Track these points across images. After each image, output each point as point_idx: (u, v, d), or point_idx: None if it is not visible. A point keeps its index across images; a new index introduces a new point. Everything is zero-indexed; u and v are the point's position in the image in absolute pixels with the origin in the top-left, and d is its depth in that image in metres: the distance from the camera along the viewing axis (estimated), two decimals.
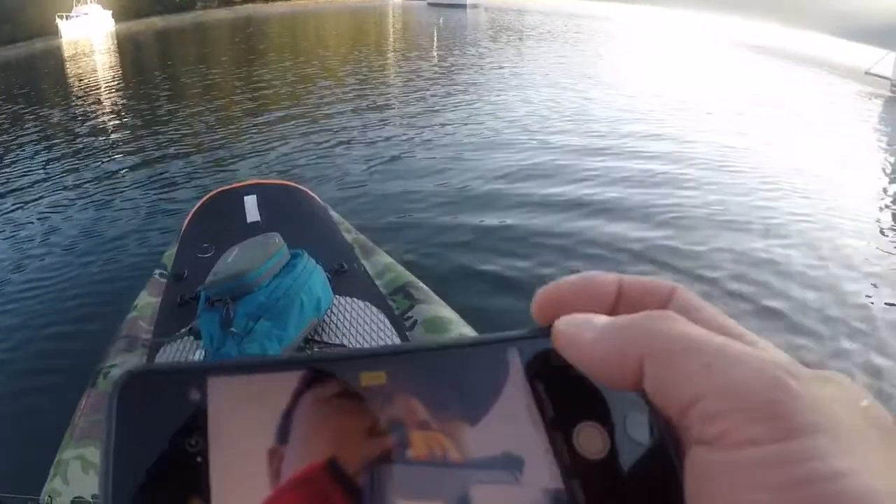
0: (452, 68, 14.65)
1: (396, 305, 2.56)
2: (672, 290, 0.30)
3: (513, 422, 0.28)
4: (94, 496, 1.87)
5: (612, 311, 0.30)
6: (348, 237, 3.18)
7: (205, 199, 3.63)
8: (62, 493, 1.87)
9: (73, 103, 14.52)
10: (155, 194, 7.12)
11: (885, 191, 6.27)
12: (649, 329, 0.26)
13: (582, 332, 0.28)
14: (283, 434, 0.26)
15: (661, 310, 0.27)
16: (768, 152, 6.80)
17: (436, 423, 0.28)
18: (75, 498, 1.85)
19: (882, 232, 5.21)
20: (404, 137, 8.48)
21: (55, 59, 25.87)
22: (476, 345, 0.30)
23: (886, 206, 5.83)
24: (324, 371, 0.28)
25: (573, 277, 0.31)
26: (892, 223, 5.41)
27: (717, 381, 0.24)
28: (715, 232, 5.01)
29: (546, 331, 0.30)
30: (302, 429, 0.27)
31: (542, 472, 0.27)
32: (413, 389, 0.28)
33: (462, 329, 2.42)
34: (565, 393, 0.29)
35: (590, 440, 0.28)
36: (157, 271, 3.16)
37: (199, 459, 0.25)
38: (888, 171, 6.78)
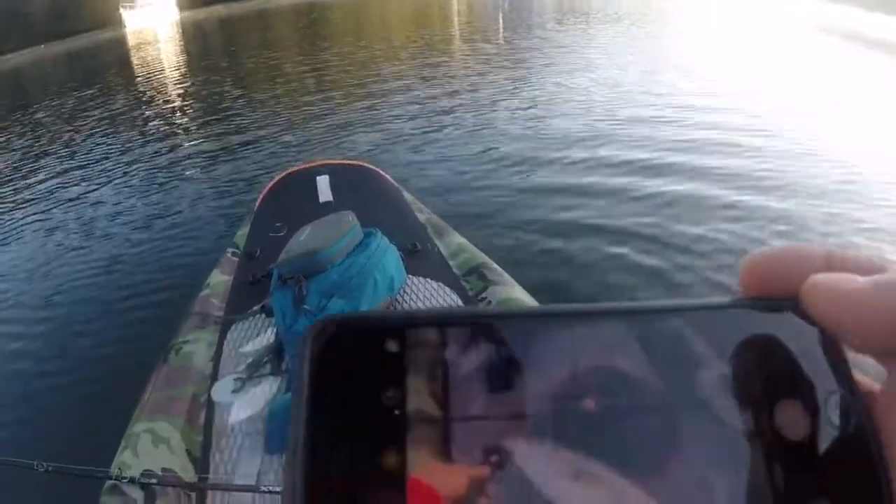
0: (519, 51, 14.48)
1: (470, 286, 2.54)
2: (881, 265, 0.27)
3: (695, 400, 0.27)
4: (164, 469, 1.91)
5: None
6: (421, 217, 3.17)
7: (277, 179, 3.67)
8: (132, 465, 1.90)
9: (141, 90, 14.86)
10: (226, 175, 7.21)
11: None
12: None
13: (847, 285, 0.26)
14: (480, 397, 0.25)
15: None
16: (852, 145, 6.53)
17: (614, 401, 0.26)
18: (145, 471, 1.88)
19: None
20: (473, 120, 8.39)
21: (120, 49, 26.44)
22: (666, 311, 0.28)
23: None
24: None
25: (780, 248, 0.29)
26: None
27: None
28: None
29: (759, 301, 0.28)
30: (499, 395, 0.26)
31: (733, 464, 0.25)
32: (593, 369, 0.27)
33: None
34: (763, 371, 0.27)
35: (791, 421, 0.26)
36: (230, 250, 3.20)
37: (396, 413, 0.24)
38: None
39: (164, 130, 10.12)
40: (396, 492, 0.23)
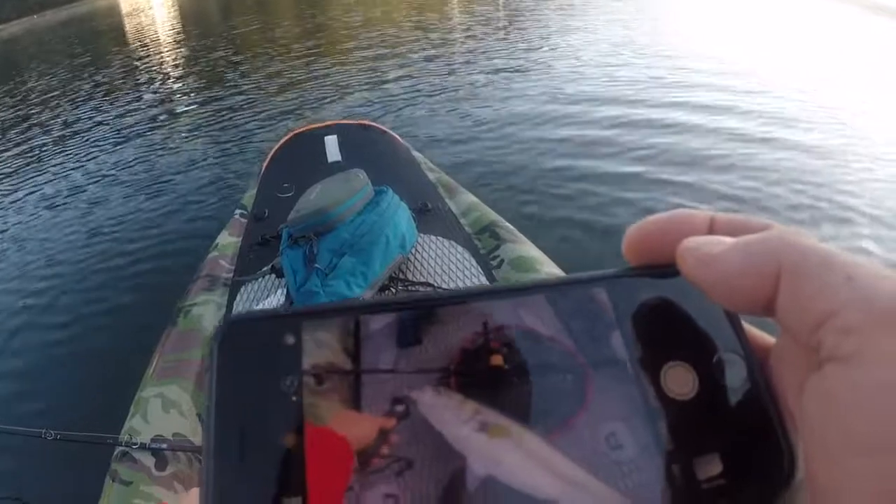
0: (521, 16, 14.37)
1: (482, 245, 2.51)
2: (766, 227, 0.27)
3: (600, 361, 0.28)
4: (174, 434, 1.89)
5: None
6: (432, 176, 3.14)
7: (284, 139, 3.65)
8: (141, 431, 1.89)
9: (137, 56, 14.83)
10: (231, 138, 7.15)
11: None
12: (787, 241, 0.24)
13: (714, 249, 0.26)
14: (389, 352, 0.27)
15: (783, 228, 0.26)
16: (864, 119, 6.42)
17: (522, 359, 0.28)
18: (155, 436, 1.86)
19: None
20: (482, 82, 8.31)
21: (114, 16, 26.33)
22: (566, 284, 0.30)
23: None
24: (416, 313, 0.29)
25: (663, 215, 0.29)
26: None
27: (858, 292, 0.22)
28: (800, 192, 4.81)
29: (644, 269, 0.29)
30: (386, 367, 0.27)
31: (636, 423, 0.27)
32: (502, 330, 0.28)
33: (549, 268, 2.37)
34: (654, 333, 0.28)
35: (678, 380, 0.27)
36: (238, 212, 3.18)
37: (294, 399, 0.26)
38: None
39: (163, 96, 10.08)
40: (295, 438, 0.25)
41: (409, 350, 0.27)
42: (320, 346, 0.27)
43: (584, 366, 0.27)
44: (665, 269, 0.28)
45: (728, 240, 0.26)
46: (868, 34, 10.05)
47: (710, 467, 0.26)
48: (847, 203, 4.50)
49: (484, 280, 2.27)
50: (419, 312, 0.28)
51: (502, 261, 2.38)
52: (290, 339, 0.26)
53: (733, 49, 9.20)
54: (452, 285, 2.23)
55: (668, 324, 0.28)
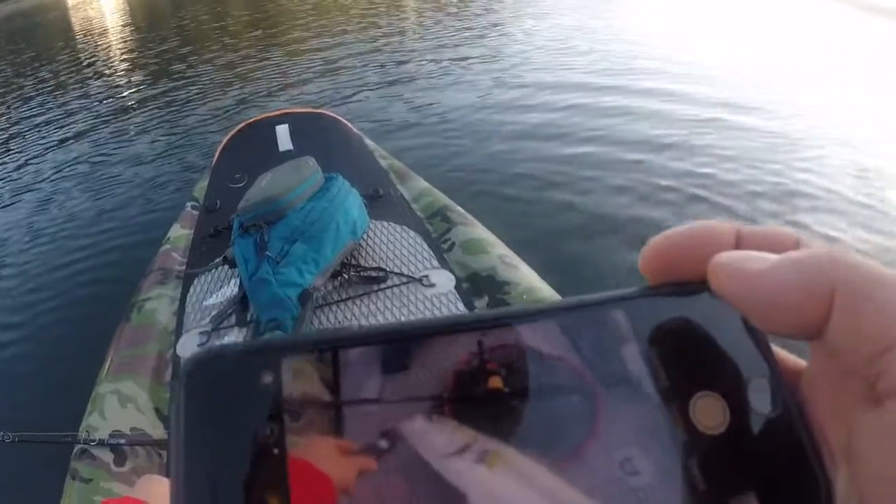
0: (472, 1, 14.35)
1: (433, 229, 2.54)
2: (796, 241, 0.25)
3: (611, 381, 0.26)
4: (132, 429, 1.89)
5: None
6: (383, 163, 3.15)
7: (235, 130, 3.64)
8: (99, 427, 1.89)
9: (84, 50, 14.53)
10: (182, 130, 7.07)
11: None
12: (840, 260, 0.22)
13: (755, 265, 0.23)
14: (374, 381, 0.24)
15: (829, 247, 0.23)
16: (809, 110, 6.46)
17: (524, 381, 0.25)
18: (113, 432, 1.86)
19: None
20: (431, 68, 8.31)
21: (59, 9, 25.84)
22: (581, 307, 0.27)
23: None
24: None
25: (686, 228, 0.27)
26: None
27: None
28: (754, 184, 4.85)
29: (667, 287, 0.27)
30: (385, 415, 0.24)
31: (656, 450, 0.24)
32: (500, 349, 0.26)
33: (500, 250, 2.40)
34: (679, 360, 0.26)
35: (708, 412, 0.25)
36: (190, 204, 3.16)
37: (275, 451, 0.22)
38: None
39: (111, 90, 9.90)
40: (279, 476, 0.22)
41: (396, 377, 0.25)
42: (299, 379, 0.24)
43: (593, 386, 0.25)
44: (690, 287, 0.26)
45: (771, 256, 0.24)
46: (850, 31, 10.15)
47: None
48: (802, 188, 4.58)
49: (434, 263, 2.30)
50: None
51: (453, 244, 2.41)
52: (268, 377, 0.23)
53: (700, 39, 9.30)
54: (404, 270, 2.26)
55: (694, 349, 0.26)
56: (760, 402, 0.25)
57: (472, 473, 0.23)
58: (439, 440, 0.23)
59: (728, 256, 0.24)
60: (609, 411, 0.25)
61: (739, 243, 0.26)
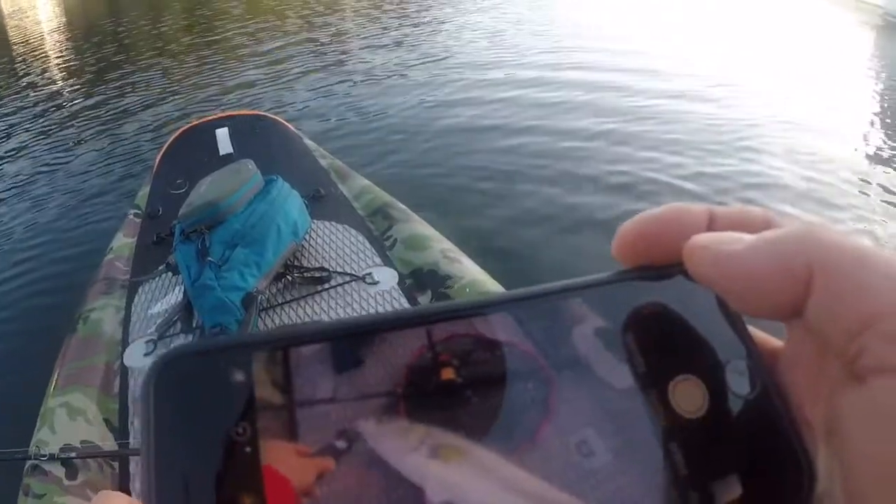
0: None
1: (375, 226, 2.56)
2: (767, 220, 0.25)
3: (595, 382, 0.25)
4: (83, 442, 1.88)
5: None
6: (324, 163, 3.16)
7: (175, 135, 3.61)
8: (49, 442, 1.87)
9: (19, 60, 14.17)
10: (122, 138, 6.92)
11: (874, 125, 5.95)
12: (818, 237, 0.22)
13: (731, 246, 0.23)
14: (329, 380, 0.24)
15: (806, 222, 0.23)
16: (745, 90, 6.54)
17: (477, 371, 0.25)
18: (64, 445, 1.84)
19: (872, 166, 5.00)
20: (369, 68, 8.27)
21: None
22: (548, 295, 0.26)
23: (875, 143, 5.58)
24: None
25: (658, 211, 0.26)
26: (881, 161, 5.18)
27: None
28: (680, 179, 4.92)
29: (640, 271, 0.26)
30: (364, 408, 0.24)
31: (637, 437, 0.24)
32: (452, 339, 0.25)
33: (442, 244, 2.43)
34: (656, 344, 0.25)
35: (687, 396, 0.24)
36: (132, 212, 3.14)
37: (248, 450, 0.22)
38: (881, 107, 6.41)
39: (48, 100, 9.62)
40: (254, 484, 0.22)
41: (350, 374, 0.24)
42: (267, 377, 0.23)
43: (548, 372, 0.25)
44: (664, 270, 0.26)
45: (746, 236, 0.23)
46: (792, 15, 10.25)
47: (731, 490, 0.24)
48: (749, 169, 4.69)
49: (377, 261, 2.32)
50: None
51: (395, 240, 2.43)
52: (240, 376, 0.23)
53: (640, 30, 9.36)
54: (347, 268, 2.27)
55: (670, 332, 0.26)
56: (739, 384, 0.25)
57: (429, 468, 0.23)
58: (393, 438, 0.23)
59: (703, 238, 0.24)
60: (565, 396, 0.25)
61: (712, 225, 0.26)
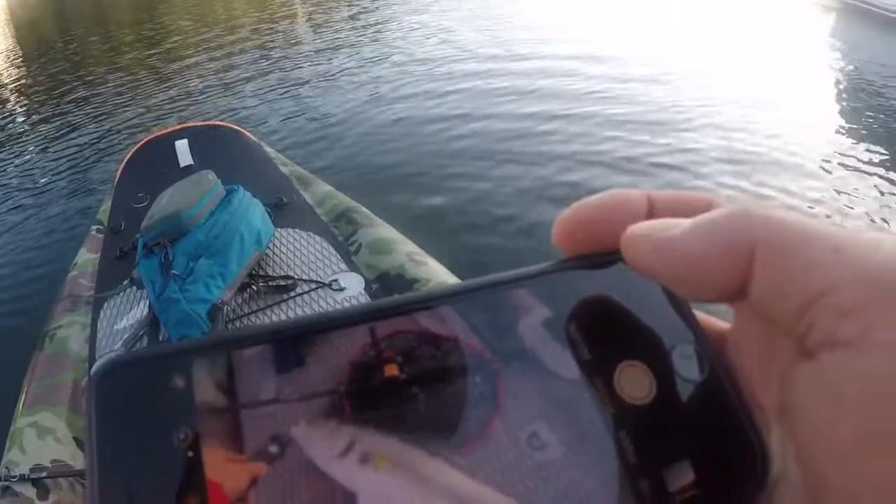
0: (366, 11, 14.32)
1: (339, 232, 2.56)
2: (709, 202, 0.25)
3: (544, 374, 0.25)
4: (53, 461, 1.87)
5: None
6: (285, 170, 3.15)
7: (135, 149, 3.58)
8: (20, 462, 1.85)
9: None
10: (80, 153, 6.84)
11: (833, 111, 5.88)
12: (758, 215, 0.21)
13: (668, 232, 0.23)
14: (269, 382, 0.24)
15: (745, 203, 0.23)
16: (700, 75, 6.60)
17: (421, 366, 0.25)
18: (34, 465, 1.84)
19: (831, 151, 5.03)
20: (324, 73, 8.27)
21: None
22: (489, 287, 0.26)
23: (833, 129, 5.60)
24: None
25: (596, 198, 0.26)
26: (840, 146, 5.22)
27: (851, 266, 0.19)
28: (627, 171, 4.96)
29: (577, 260, 0.26)
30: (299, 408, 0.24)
31: (587, 427, 0.24)
32: (395, 336, 0.25)
33: (407, 247, 2.43)
34: (599, 332, 0.25)
35: (633, 382, 0.24)
36: (94, 227, 3.11)
37: (190, 454, 0.22)
38: (840, 92, 6.44)
39: (1, 119, 9.63)
40: (198, 488, 0.22)
41: (291, 374, 0.24)
42: (206, 382, 0.23)
43: (495, 364, 0.25)
44: (605, 257, 0.26)
45: (683, 221, 0.23)
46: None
47: (683, 476, 0.23)
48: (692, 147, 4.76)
49: (343, 267, 2.32)
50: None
51: (360, 245, 2.43)
52: (180, 382, 0.23)
53: (581, 20, 9.44)
54: (313, 276, 2.27)
55: (614, 320, 0.25)
56: (687, 368, 0.24)
57: (359, 476, 0.22)
58: (321, 441, 0.23)
59: (639, 227, 0.24)
60: (513, 389, 0.24)
61: (652, 209, 0.26)
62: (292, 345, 0.24)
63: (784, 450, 0.22)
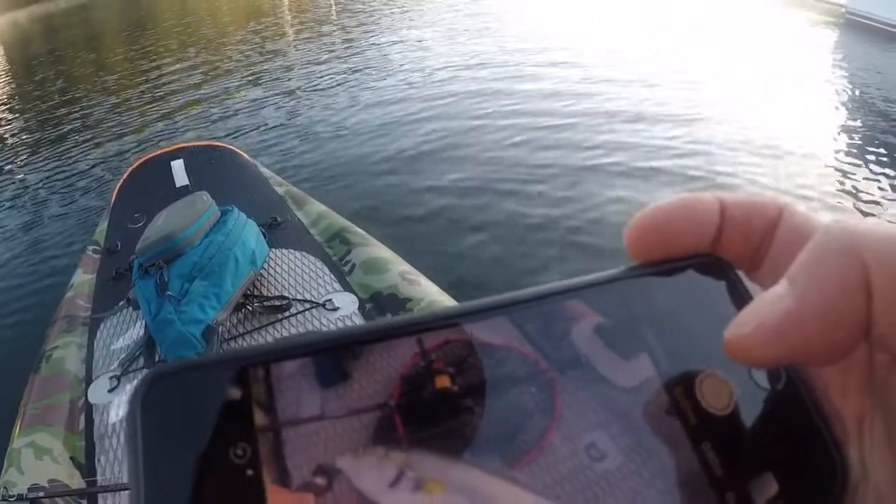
0: (354, 28, 14.33)
1: (333, 252, 2.57)
2: (780, 208, 0.25)
3: (601, 382, 0.24)
4: (50, 481, 1.87)
5: (717, 236, 0.25)
6: (280, 190, 3.17)
7: (130, 169, 3.60)
8: (17, 482, 1.85)
9: None
10: (76, 174, 6.85)
11: (841, 126, 5.90)
12: (862, 239, 0.20)
13: (779, 306, 0.21)
14: (315, 408, 0.23)
15: (834, 219, 0.21)
16: (706, 93, 6.60)
17: (474, 377, 0.24)
18: (32, 485, 1.83)
19: (837, 170, 5.04)
20: (317, 93, 8.28)
21: None
22: (554, 295, 0.25)
23: (842, 141, 5.59)
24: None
25: (668, 203, 0.25)
26: (847, 157, 5.23)
27: None
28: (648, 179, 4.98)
29: (656, 266, 0.26)
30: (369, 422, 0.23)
31: (654, 436, 0.23)
32: (446, 345, 0.24)
33: (401, 266, 2.44)
34: (675, 341, 0.25)
35: (714, 393, 0.24)
36: (90, 248, 3.12)
37: (249, 473, 0.21)
38: (847, 107, 6.38)
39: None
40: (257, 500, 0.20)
41: (341, 388, 0.23)
42: (261, 398, 0.22)
43: (549, 373, 0.24)
44: (677, 263, 0.25)
45: (780, 286, 0.21)
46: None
47: (768, 489, 0.22)
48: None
49: (337, 286, 2.33)
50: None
51: (354, 265, 2.44)
52: (235, 392, 0.22)
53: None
54: (307, 295, 2.28)
55: (690, 328, 0.25)
56: (764, 377, 0.24)
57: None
58: (370, 473, 0.21)
59: (744, 319, 0.22)
60: (569, 398, 0.24)
61: (724, 214, 0.25)
62: (341, 357, 0.23)
63: (866, 460, 0.22)
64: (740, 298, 0.25)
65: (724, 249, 0.25)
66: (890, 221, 0.21)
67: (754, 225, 0.25)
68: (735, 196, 0.25)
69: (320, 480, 0.21)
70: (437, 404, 0.23)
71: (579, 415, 0.23)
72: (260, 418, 0.21)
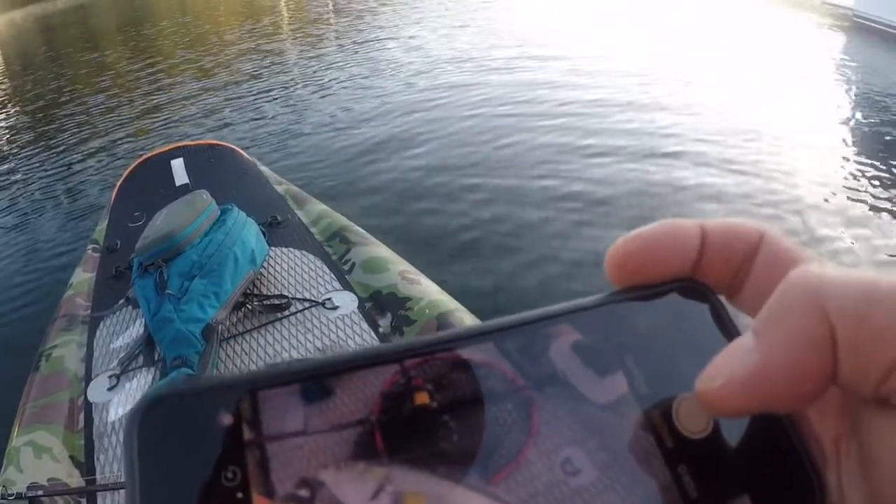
0: (351, 28, 14.31)
1: (333, 251, 2.57)
2: (761, 233, 0.25)
3: (578, 399, 0.24)
4: (49, 479, 1.86)
5: (697, 262, 0.25)
6: (280, 189, 3.17)
7: (130, 168, 3.60)
8: (17, 481, 1.85)
9: None
10: (76, 173, 6.87)
11: (849, 128, 5.92)
12: (822, 290, 0.20)
13: (748, 360, 0.21)
14: (299, 421, 0.23)
15: (798, 269, 0.22)
16: (716, 96, 6.57)
17: (453, 394, 0.24)
18: (31, 484, 1.83)
19: (846, 175, 4.98)
20: (315, 92, 8.29)
21: None
22: (536, 322, 0.25)
23: (850, 145, 5.54)
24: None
25: (649, 228, 0.26)
26: (857, 161, 5.16)
27: None
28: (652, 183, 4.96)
29: (637, 291, 0.26)
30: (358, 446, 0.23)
31: (628, 453, 0.23)
32: (426, 363, 0.24)
33: (401, 266, 2.44)
34: (655, 365, 0.25)
35: (691, 416, 0.24)
36: (90, 246, 3.12)
37: (239, 496, 0.21)
38: (854, 109, 6.34)
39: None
40: None
41: (322, 405, 0.23)
42: (251, 420, 0.22)
43: (526, 390, 0.24)
44: (658, 288, 0.25)
45: (747, 339, 0.22)
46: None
47: None
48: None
49: (336, 285, 2.33)
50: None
51: (354, 264, 2.44)
52: (227, 417, 0.22)
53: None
54: (307, 294, 2.28)
55: (670, 352, 0.25)
56: None
57: None
58: (351, 487, 0.22)
59: (712, 373, 0.22)
60: (547, 415, 0.24)
61: (704, 240, 0.25)
62: (321, 378, 0.24)
63: (843, 482, 0.22)
64: (721, 323, 0.25)
65: (705, 274, 0.25)
66: (852, 267, 0.21)
67: (735, 250, 0.25)
68: (715, 221, 0.26)
69: (304, 493, 0.21)
70: (417, 420, 0.23)
71: (556, 431, 0.24)
72: (249, 438, 0.22)
